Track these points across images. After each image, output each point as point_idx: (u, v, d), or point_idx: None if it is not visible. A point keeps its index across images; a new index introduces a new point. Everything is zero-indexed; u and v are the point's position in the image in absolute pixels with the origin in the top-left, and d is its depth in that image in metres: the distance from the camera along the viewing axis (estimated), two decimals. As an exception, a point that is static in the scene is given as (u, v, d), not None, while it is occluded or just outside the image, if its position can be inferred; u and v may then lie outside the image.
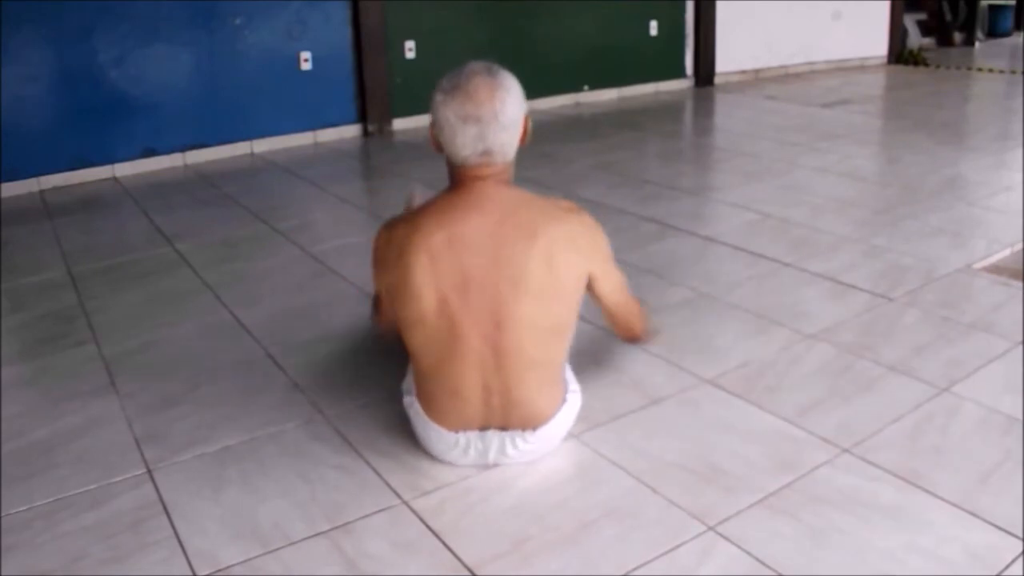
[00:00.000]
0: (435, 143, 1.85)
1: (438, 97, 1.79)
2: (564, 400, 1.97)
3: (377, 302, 2.06)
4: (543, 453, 1.99)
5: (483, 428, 1.92)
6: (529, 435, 1.92)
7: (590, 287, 1.94)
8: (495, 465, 1.96)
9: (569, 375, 2.06)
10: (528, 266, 1.79)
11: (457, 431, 1.92)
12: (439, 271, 1.79)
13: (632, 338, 2.20)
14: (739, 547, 1.68)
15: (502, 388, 1.86)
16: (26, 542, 1.77)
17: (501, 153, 1.81)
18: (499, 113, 1.76)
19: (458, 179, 1.85)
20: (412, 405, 1.99)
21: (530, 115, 1.87)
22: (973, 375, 2.31)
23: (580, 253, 1.86)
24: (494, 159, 1.81)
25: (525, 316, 1.81)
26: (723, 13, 7.24)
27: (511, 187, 1.87)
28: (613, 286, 1.98)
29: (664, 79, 7.22)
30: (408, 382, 2.05)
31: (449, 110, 1.77)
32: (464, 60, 1.84)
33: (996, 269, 3.07)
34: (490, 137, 1.77)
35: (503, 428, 1.92)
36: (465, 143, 1.77)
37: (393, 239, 1.86)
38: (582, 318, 2.71)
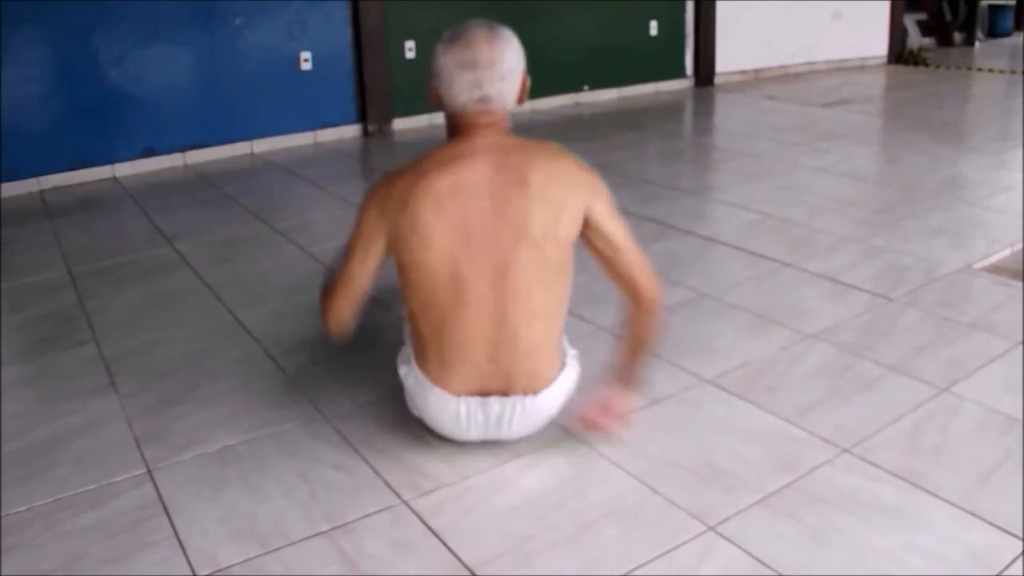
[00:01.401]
0: (434, 95, 1.86)
1: (439, 47, 1.82)
2: (564, 364, 1.98)
3: (330, 289, 1.92)
4: (544, 421, 1.98)
5: (485, 393, 1.91)
6: (529, 401, 1.91)
7: (594, 236, 1.88)
8: (496, 440, 1.96)
9: (565, 342, 2.05)
10: (529, 212, 1.80)
11: (459, 395, 1.90)
12: (445, 219, 1.79)
13: (638, 298, 1.94)
14: (739, 547, 1.68)
15: (509, 338, 1.85)
16: (26, 542, 1.77)
17: (499, 100, 1.82)
18: (496, 61, 1.79)
19: (457, 129, 1.86)
20: (410, 374, 1.97)
21: (527, 76, 1.88)
22: (973, 375, 2.31)
23: (576, 191, 1.85)
24: (492, 106, 1.82)
25: (527, 261, 1.82)
26: (723, 13, 7.24)
27: (508, 134, 1.88)
28: (611, 229, 1.89)
29: (664, 79, 7.22)
30: (405, 352, 2.02)
31: (448, 57, 1.80)
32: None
33: (996, 269, 3.07)
34: (486, 84, 1.79)
35: (504, 393, 1.90)
36: (462, 89, 1.80)
37: (394, 189, 1.82)
38: (580, 318, 2.71)
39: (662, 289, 1.97)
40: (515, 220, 1.80)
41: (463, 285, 1.82)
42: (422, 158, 1.86)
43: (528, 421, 1.95)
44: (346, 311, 1.92)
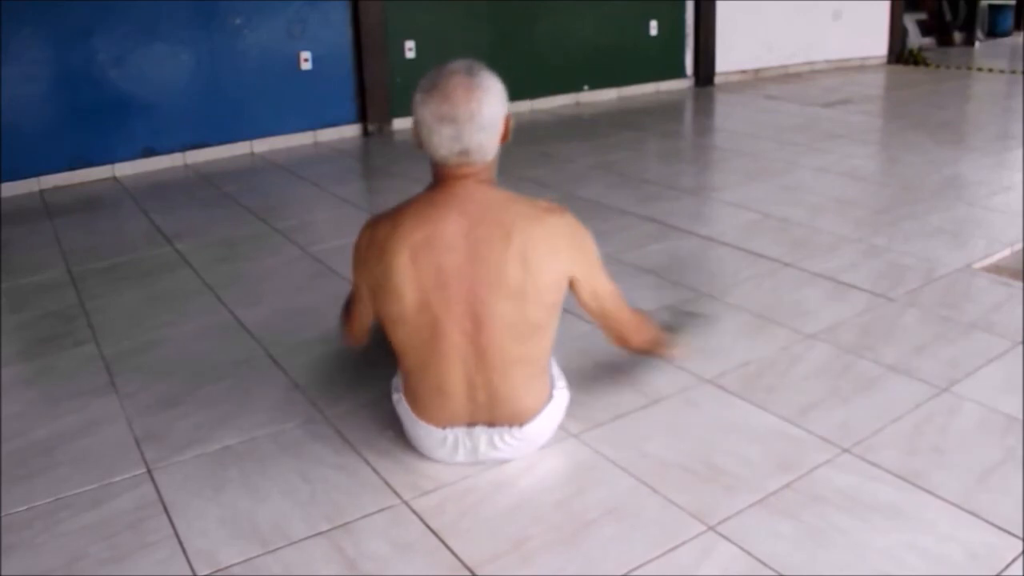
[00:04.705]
0: (417, 141, 1.85)
1: (417, 96, 1.79)
2: (551, 396, 1.98)
3: (348, 308, 2.08)
4: (532, 449, 1.99)
5: (470, 424, 1.93)
6: (516, 431, 1.93)
7: (573, 291, 1.93)
8: (486, 461, 1.96)
9: (556, 371, 2.06)
10: (504, 267, 1.79)
11: (445, 427, 1.93)
12: (419, 269, 1.80)
13: (625, 346, 2.13)
14: (739, 547, 1.68)
15: (486, 384, 1.87)
16: (26, 542, 1.77)
17: (479, 152, 1.80)
18: (475, 114, 1.75)
19: (439, 177, 1.86)
20: (400, 402, 2.00)
21: (512, 114, 1.86)
22: (973, 375, 2.31)
23: (558, 254, 1.84)
24: (472, 159, 1.80)
25: (503, 315, 1.82)
26: (723, 13, 7.23)
27: (491, 187, 1.87)
28: (596, 292, 1.95)
29: (664, 79, 7.22)
30: (397, 380, 2.05)
31: (427, 110, 1.77)
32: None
33: (996, 269, 3.07)
34: (466, 137, 1.76)
35: (490, 424, 1.93)
36: (441, 143, 1.77)
37: (375, 238, 1.86)
38: (580, 317, 2.71)
39: (648, 340, 2.15)
40: (490, 275, 1.80)
41: (440, 334, 1.83)
42: (402, 206, 1.87)
43: (517, 448, 1.96)
44: (359, 333, 2.10)
